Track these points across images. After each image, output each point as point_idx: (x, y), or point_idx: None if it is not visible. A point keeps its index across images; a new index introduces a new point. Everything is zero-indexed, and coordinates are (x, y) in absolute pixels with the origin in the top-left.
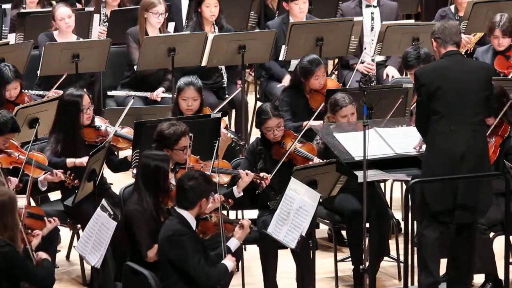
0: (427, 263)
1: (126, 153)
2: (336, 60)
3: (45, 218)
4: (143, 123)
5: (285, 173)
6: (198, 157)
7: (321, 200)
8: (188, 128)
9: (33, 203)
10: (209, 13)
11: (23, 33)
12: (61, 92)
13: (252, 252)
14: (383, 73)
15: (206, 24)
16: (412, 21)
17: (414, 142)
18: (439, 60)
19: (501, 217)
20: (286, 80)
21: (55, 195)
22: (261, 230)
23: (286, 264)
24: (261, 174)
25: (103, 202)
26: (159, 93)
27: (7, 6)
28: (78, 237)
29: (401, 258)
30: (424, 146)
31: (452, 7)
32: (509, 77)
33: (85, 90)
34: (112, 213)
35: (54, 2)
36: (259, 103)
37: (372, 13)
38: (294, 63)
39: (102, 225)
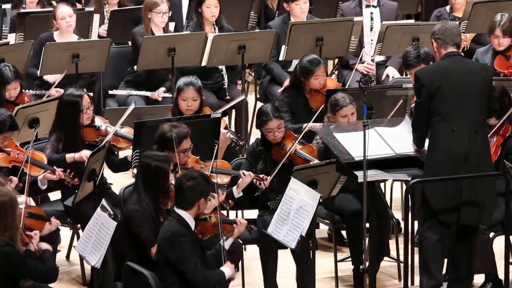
0: (429, 265)
1: (126, 153)
2: (336, 60)
3: (51, 219)
4: (143, 123)
5: (285, 173)
6: (198, 157)
7: (321, 200)
8: (189, 131)
9: (33, 203)
10: (210, 13)
11: (23, 33)
12: (61, 90)
13: (252, 252)
14: (383, 73)
15: (207, 25)
16: (412, 21)
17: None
18: (439, 61)
19: (501, 217)
20: (287, 84)
21: (55, 195)
22: (261, 230)
23: (286, 264)
24: (261, 174)
25: (103, 202)
26: (160, 93)
27: (7, 6)
28: (78, 237)
29: (401, 258)
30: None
31: (448, 7)
32: (510, 77)
33: (85, 90)
34: (112, 213)
35: (54, 2)
36: (259, 103)
37: (371, 13)
38: (295, 63)
39: (102, 225)
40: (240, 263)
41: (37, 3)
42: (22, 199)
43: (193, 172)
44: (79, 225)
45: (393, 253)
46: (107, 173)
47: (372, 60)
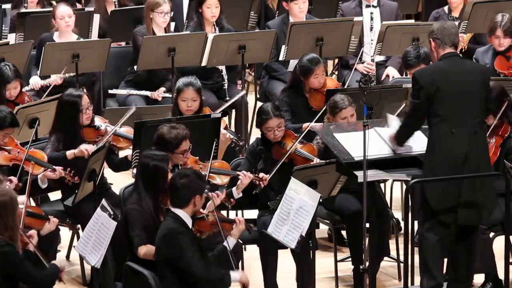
0: (429, 265)
1: (126, 152)
2: (336, 60)
3: (50, 217)
4: (143, 123)
5: (285, 173)
6: (197, 157)
7: (321, 200)
8: (188, 132)
9: (33, 204)
10: (210, 13)
11: (23, 33)
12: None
13: (252, 252)
14: (383, 74)
15: (207, 25)
16: (412, 21)
17: (414, 142)
18: (437, 62)
19: (501, 217)
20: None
21: (55, 195)
22: (261, 230)
23: (286, 264)
24: (260, 175)
25: (103, 202)
26: (160, 93)
27: (7, 6)
28: (78, 237)
29: (401, 258)
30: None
31: (446, 8)
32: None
33: (84, 90)
34: (112, 213)
35: (54, 2)
36: (259, 103)
37: (371, 13)
38: (292, 62)
39: (102, 225)
40: (240, 263)
41: (37, 3)
42: (22, 198)
43: (185, 170)
44: (79, 225)
45: (393, 253)
46: (107, 173)
47: (372, 60)
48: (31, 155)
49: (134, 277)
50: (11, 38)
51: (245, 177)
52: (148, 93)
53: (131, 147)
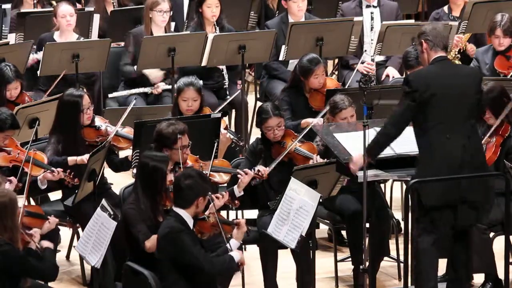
0: (424, 269)
1: (126, 152)
2: (336, 60)
3: (49, 217)
4: (143, 123)
5: (285, 173)
6: (197, 156)
7: (321, 200)
8: (186, 127)
9: (32, 203)
10: (210, 13)
11: (23, 33)
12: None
13: (252, 252)
14: (383, 73)
15: (207, 25)
16: (412, 21)
17: (414, 142)
18: (430, 66)
19: (501, 217)
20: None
21: (55, 195)
22: (261, 230)
23: (286, 264)
24: (259, 168)
25: (103, 202)
26: (159, 86)
27: (7, 6)
28: (78, 237)
29: (401, 258)
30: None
31: (446, 8)
32: (509, 76)
33: (84, 90)
34: (112, 213)
35: (54, 2)
36: (259, 103)
37: (371, 13)
38: (291, 62)
39: (102, 225)
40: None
41: (37, 3)
42: (22, 199)
43: (190, 170)
44: (79, 225)
45: (393, 253)
46: (107, 173)
47: (372, 60)
48: (31, 157)
49: (134, 277)
50: (11, 38)
51: (245, 176)
52: (148, 89)
53: (131, 147)
